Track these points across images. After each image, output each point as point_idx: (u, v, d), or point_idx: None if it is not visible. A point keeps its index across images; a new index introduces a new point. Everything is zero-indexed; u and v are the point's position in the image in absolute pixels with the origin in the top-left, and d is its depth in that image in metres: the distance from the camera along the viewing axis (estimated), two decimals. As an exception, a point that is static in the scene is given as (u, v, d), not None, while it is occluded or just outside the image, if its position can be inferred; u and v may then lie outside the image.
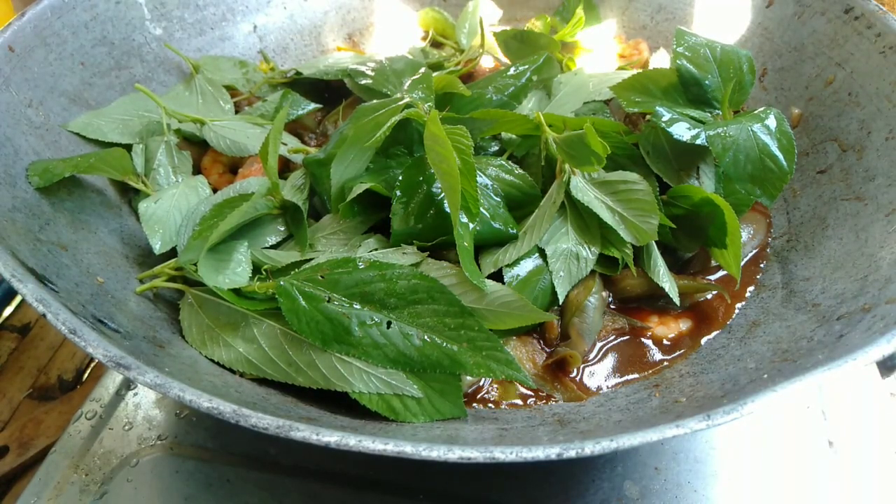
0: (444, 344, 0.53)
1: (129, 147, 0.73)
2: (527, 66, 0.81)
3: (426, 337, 0.54)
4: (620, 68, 0.94)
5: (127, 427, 0.66)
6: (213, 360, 0.56)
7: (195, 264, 0.58)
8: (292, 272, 0.57)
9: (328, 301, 0.54)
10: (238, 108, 0.86)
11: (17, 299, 0.90)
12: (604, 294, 0.66)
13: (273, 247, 0.65)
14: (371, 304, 0.54)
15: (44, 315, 0.46)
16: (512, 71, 0.81)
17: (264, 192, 0.66)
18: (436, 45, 1.04)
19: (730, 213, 0.62)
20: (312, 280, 0.55)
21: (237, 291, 0.57)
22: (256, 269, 0.61)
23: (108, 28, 0.78)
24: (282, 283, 0.54)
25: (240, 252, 0.60)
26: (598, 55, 0.97)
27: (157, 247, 0.64)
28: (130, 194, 0.73)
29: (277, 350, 0.54)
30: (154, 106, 0.77)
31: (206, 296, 0.58)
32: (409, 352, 0.53)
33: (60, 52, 0.72)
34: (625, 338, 0.65)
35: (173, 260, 0.62)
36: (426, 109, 0.65)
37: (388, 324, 0.53)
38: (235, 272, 0.58)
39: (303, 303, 0.54)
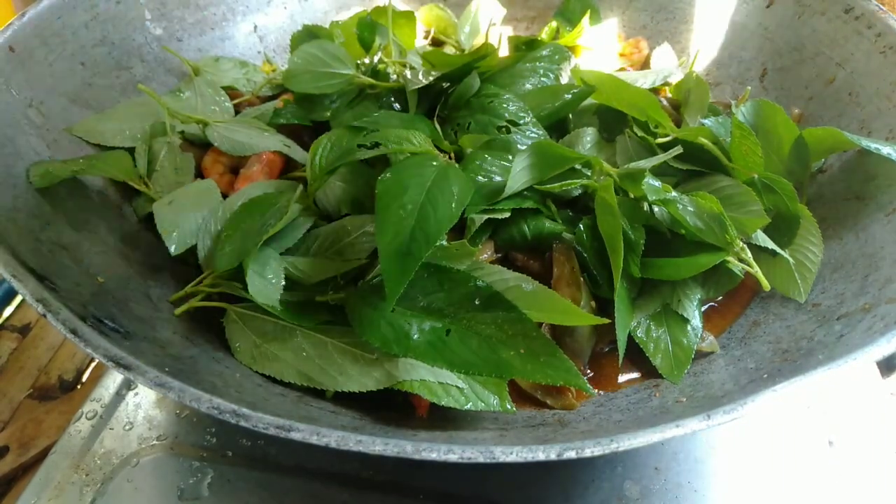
0: (502, 350, 0.53)
1: (131, 150, 0.73)
2: (549, 51, 0.81)
3: (484, 344, 0.54)
4: (621, 69, 0.94)
5: (127, 427, 0.66)
6: (264, 375, 0.56)
7: (240, 281, 0.57)
8: (358, 283, 0.59)
9: (392, 310, 0.55)
10: (239, 109, 0.86)
11: (18, 299, 0.90)
12: (592, 304, 0.63)
13: (288, 252, 0.63)
14: (430, 311, 0.55)
15: (44, 315, 0.46)
16: (545, 52, 0.81)
17: (297, 197, 0.64)
18: (437, 43, 1.04)
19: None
20: (376, 290, 0.56)
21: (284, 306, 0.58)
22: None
23: (108, 28, 0.78)
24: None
25: (271, 262, 0.59)
26: (599, 54, 0.97)
27: (173, 248, 0.62)
28: (131, 195, 0.73)
29: (327, 360, 0.55)
30: (155, 109, 0.76)
31: (249, 312, 0.58)
32: (467, 357, 0.53)
33: (61, 53, 0.72)
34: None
35: (208, 275, 0.61)
36: (600, 179, 0.65)
37: (448, 331, 0.54)
38: (272, 283, 0.58)
39: (367, 311, 0.54)
